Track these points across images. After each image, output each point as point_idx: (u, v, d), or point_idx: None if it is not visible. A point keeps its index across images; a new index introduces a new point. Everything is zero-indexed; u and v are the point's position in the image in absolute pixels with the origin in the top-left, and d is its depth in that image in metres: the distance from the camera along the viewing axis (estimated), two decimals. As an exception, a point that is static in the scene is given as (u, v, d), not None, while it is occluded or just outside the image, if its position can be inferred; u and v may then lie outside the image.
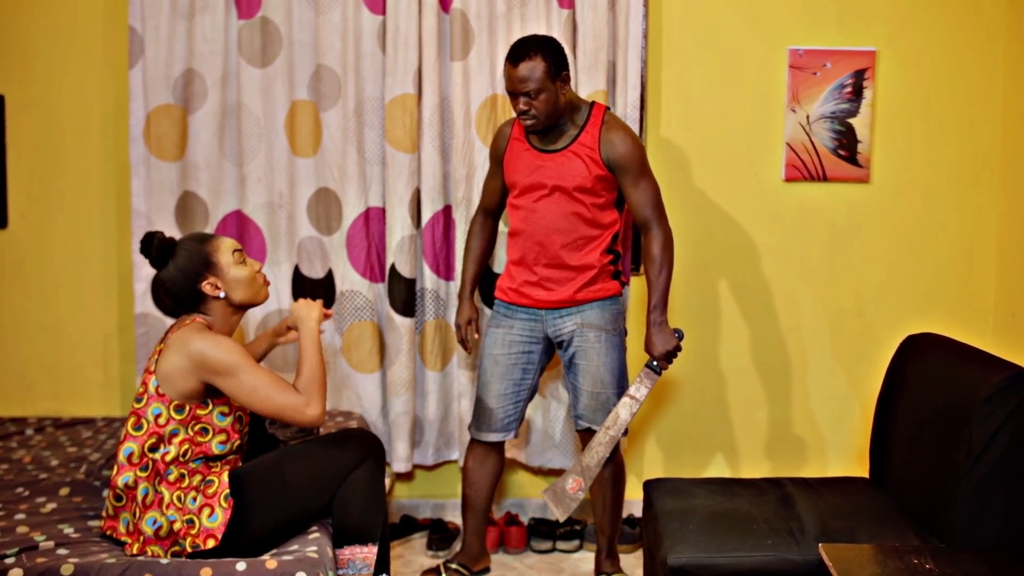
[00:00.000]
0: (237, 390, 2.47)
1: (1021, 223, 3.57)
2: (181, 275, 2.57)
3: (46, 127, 3.74)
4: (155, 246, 2.58)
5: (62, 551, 2.44)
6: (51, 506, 2.80)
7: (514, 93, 3.06)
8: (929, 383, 2.78)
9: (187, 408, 2.51)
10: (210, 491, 2.49)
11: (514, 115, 3.38)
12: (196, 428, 2.52)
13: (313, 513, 2.61)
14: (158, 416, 2.50)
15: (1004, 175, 3.68)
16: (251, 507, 2.49)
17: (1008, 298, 3.65)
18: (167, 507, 2.47)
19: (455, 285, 3.70)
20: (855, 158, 3.71)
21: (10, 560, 2.38)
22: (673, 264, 3.18)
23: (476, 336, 3.44)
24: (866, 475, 3.23)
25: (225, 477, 2.50)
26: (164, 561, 2.36)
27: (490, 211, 3.43)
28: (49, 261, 3.79)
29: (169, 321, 3.69)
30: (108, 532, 2.57)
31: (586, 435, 3.29)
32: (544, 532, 3.66)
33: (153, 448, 2.49)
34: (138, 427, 2.51)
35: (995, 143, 3.70)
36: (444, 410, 3.78)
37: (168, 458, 2.48)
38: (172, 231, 3.67)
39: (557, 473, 3.86)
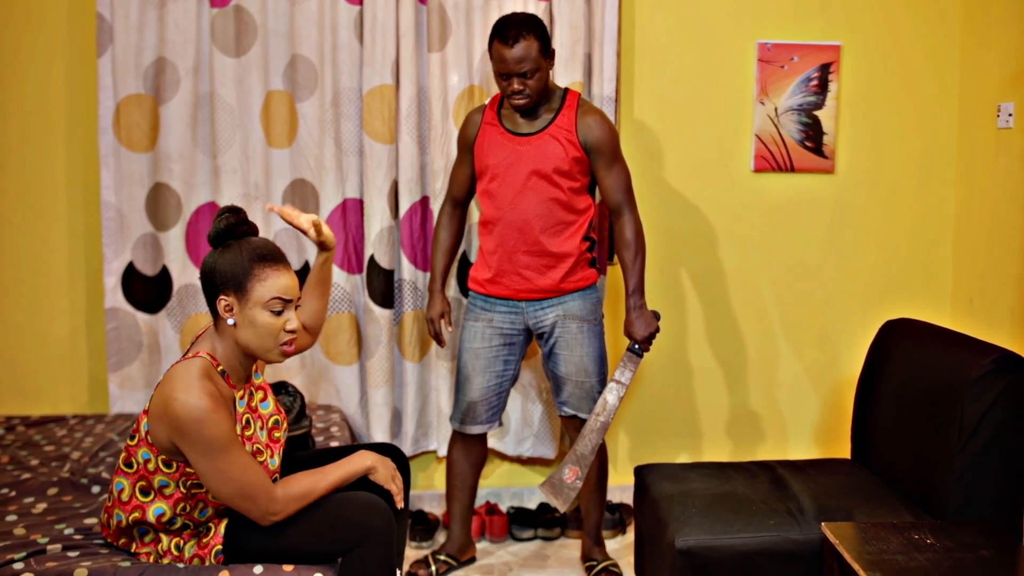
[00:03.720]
0: (205, 472, 2.18)
1: (976, 212, 3.73)
2: (211, 273, 2.24)
3: (7, 117, 3.61)
4: (218, 226, 2.25)
5: (71, 554, 2.37)
6: (42, 506, 2.72)
7: (508, 74, 3.05)
8: (914, 366, 2.89)
9: (175, 464, 2.24)
10: (204, 540, 2.32)
11: (483, 103, 3.37)
12: (188, 484, 2.26)
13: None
14: (147, 461, 2.25)
15: (960, 166, 3.84)
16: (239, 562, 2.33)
17: (965, 285, 3.80)
18: (164, 553, 2.34)
19: (432, 276, 3.70)
20: (821, 149, 3.82)
21: (19, 565, 2.31)
22: (646, 248, 3.24)
23: (450, 329, 3.44)
24: (846, 456, 3.33)
25: (222, 529, 2.30)
26: (181, 566, 2.31)
27: (458, 201, 3.40)
28: (12, 254, 3.66)
29: (141, 316, 3.62)
30: (107, 539, 2.47)
31: (569, 421, 3.33)
32: (525, 520, 3.70)
33: (144, 491, 2.27)
34: (128, 464, 2.29)
35: (951, 135, 3.85)
36: (422, 401, 3.78)
37: (164, 519, 2.28)
38: (143, 223, 3.59)
39: (536, 462, 3.91)
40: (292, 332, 2.27)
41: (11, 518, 2.63)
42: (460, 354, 3.34)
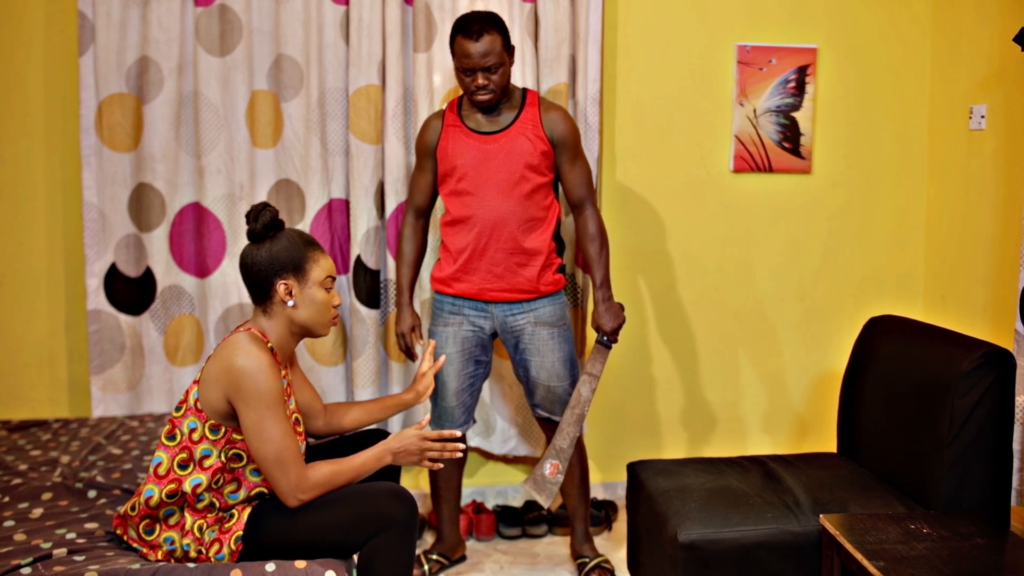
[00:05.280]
0: (250, 428, 2.30)
1: (948, 211, 3.83)
2: (267, 261, 2.39)
3: (-15, 116, 3.56)
4: (264, 220, 2.40)
5: (78, 557, 2.34)
6: (39, 511, 2.68)
7: (472, 69, 3.06)
8: (901, 361, 2.97)
9: (223, 430, 2.36)
10: (226, 526, 2.37)
11: (441, 108, 3.37)
12: (230, 454, 2.37)
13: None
14: (193, 431, 2.36)
15: (931, 166, 3.94)
16: (258, 553, 2.36)
17: (937, 282, 3.91)
18: (186, 534, 2.37)
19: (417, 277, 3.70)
20: (798, 150, 3.90)
21: (26, 570, 2.28)
22: (608, 241, 3.29)
23: (421, 343, 3.41)
24: (831, 449, 3.41)
25: (245, 516, 2.37)
26: (191, 566, 2.30)
27: (421, 210, 3.35)
28: (-11, 257, 3.61)
29: (124, 318, 3.58)
30: (116, 530, 2.48)
31: (544, 423, 3.36)
32: (512, 518, 3.72)
33: (183, 465, 2.36)
34: (171, 437, 2.39)
35: (922, 137, 3.95)
36: (408, 401, 3.78)
37: (200, 490, 2.36)
38: (126, 224, 3.56)
39: (521, 460, 3.93)
40: (337, 307, 2.52)
41: (9, 523, 2.58)
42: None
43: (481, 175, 3.15)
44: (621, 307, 3.26)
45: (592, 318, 3.26)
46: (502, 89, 3.11)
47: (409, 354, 3.37)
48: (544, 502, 3.17)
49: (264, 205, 2.43)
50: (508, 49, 3.10)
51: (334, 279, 2.50)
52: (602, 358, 3.22)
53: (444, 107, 3.29)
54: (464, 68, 3.07)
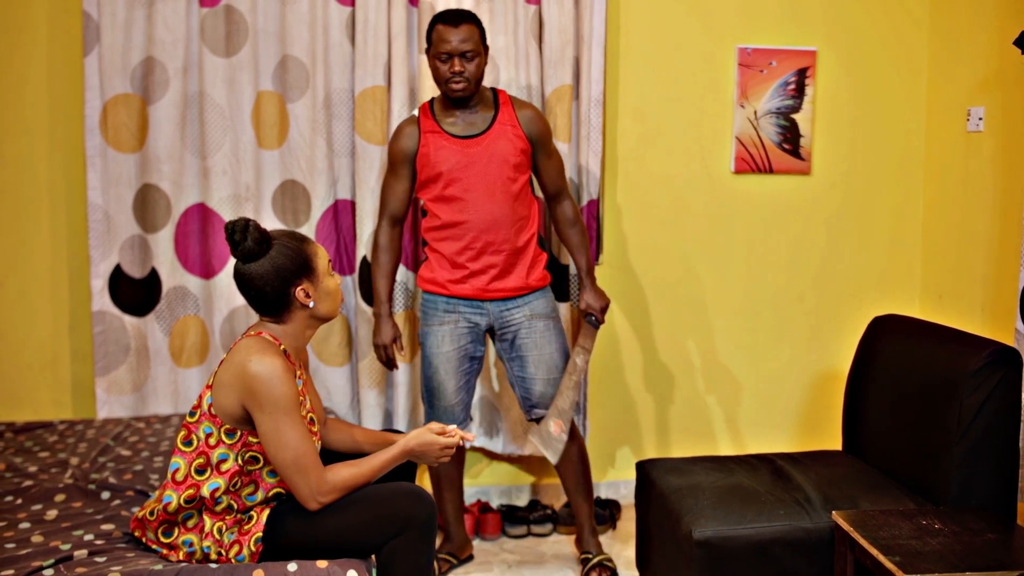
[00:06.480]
0: (267, 434, 2.28)
1: (945, 212, 3.88)
2: (276, 274, 2.33)
3: (-12, 117, 3.54)
4: (253, 236, 2.30)
5: (99, 559, 2.34)
6: (53, 512, 2.67)
7: (449, 55, 3.08)
8: (907, 360, 3.00)
9: (238, 433, 2.33)
10: (245, 527, 2.36)
11: (413, 114, 3.34)
12: (247, 456, 2.34)
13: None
14: (209, 435, 2.34)
15: (928, 167, 3.99)
16: (277, 554, 2.36)
17: (934, 281, 3.96)
18: (205, 536, 2.37)
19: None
20: (798, 151, 3.94)
21: (49, 572, 2.27)
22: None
23: (402, 353, 3.42)
24: (835, 447, 3.44)
25: (264, 517, 2.36)
26: (214, 566, 2.31)
27: (397, 219, 3.34)
28: (-8, 258, 3.59)
29: (128, 319, 3.58)
30: (134, 532, 2.48)
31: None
32: (518, 518, 3.74)
33: (200, 470, 2.33)
34: (187, 442, 2.37)
35: (920, 138, 4.00)
36: (413, 401, 3.79)
37: (218, 494, 2.34)
38: (130, 225, 3.55)
39: (526, 459, 3.95)
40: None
41: (24, 525, 2.58)
42: (428, 360, 3.29)
43: (469, 179, 3.17)
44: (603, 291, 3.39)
45: (580, 300, 3.34)
46: (476, 82, 3.14)
47: (389, 365, 3.37)
48: (552, 458, 3.19)
49: (246, 221, 2.32)
50: (484, 45, 3.15)
51: (330, 260, 2.49)
52: (592, 335, 3.33)
53: (416, 112, 3.28)
54: (442, 53, 3.10)
